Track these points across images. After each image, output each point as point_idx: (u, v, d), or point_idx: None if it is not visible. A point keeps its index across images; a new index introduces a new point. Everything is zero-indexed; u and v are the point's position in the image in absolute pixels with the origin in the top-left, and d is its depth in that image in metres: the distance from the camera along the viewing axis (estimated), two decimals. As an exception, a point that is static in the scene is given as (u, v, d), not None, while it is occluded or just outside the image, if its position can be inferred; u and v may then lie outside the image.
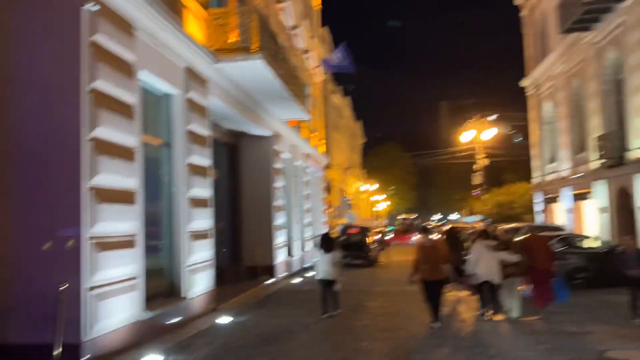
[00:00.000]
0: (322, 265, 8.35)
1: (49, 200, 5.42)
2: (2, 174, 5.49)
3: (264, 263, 12.72)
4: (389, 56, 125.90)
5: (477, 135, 25.93)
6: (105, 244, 5.70)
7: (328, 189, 25.49)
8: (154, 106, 7.79)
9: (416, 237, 38.11)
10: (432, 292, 7.24)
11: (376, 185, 47.76)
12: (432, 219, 62.45)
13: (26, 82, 5.54)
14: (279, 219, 13.67)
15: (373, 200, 50.94)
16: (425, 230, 7.74)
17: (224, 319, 7.93)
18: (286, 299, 10.38)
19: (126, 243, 6.16)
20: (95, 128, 5.62)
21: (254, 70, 9.44)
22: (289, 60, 11.69)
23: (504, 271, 7.90)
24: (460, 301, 9.01)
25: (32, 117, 5.50)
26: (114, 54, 6.09)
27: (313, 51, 20.51)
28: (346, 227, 20.18)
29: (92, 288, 5.45)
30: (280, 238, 13.66)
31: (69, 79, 5.47)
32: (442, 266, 7.28)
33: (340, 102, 35.59)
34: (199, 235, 8.38)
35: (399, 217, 49.22)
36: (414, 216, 50.52)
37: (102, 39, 5.79)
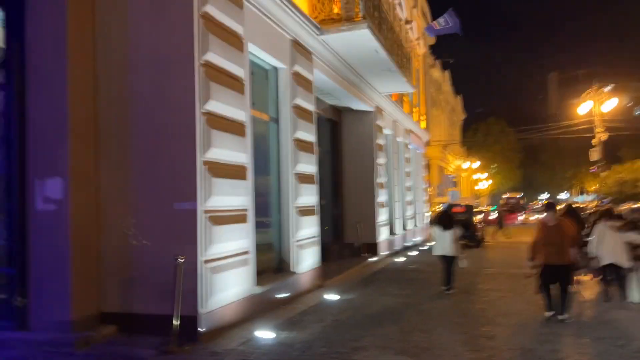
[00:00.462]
0: (441, 242, 8.37)
1: (166, 173, 5.50)
2: (122, 148, 5.65)
3: (367, 241, 12.50)
4: (490, 26, 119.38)
5: (596, 107, 23.67)
6: (219, 218, 5.71)
7: (428, 166, 24.69)
8: (261, 80, 7.72)
9: (522, 217, 36.25)
10: (555, 278, 6.48)
11: (477, 163, 45.76)
12: (538, 198, 58.95)
13: (141, 55, 5.62)
14: (381, 197, 13.33)
15: (474, 179, 48.94)
16: (551, 208, 6.98)
17: (332, 296, 7.80)
18: (392, 277, 10.08)
19: (238, 217, 6.15)
20: (208, 101, 5.60)
21: (359, 40, 9.08)
22: (394, 30, 11.18)
23: (633, 253, 7.17)
24: (583, 285, 8.18)
25: (149, 90, 5.58)
26: (224, 26, 6.02)
27: (414, 22, 19.69)
28: (450, 206, 19.39)
29: (207, 261, 5.49)
30: (382, 216, 13.34)
31: (183, 51, 5.46)
32: (568, 249, 6.50)
33: (440, 76, 34.20)
34: (305, 211, 8.28)
35: (503, 197, 46.85)
36: (519, 195, 47.90)
37: (212, 10, 5.72)
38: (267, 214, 7.75)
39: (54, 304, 5.35)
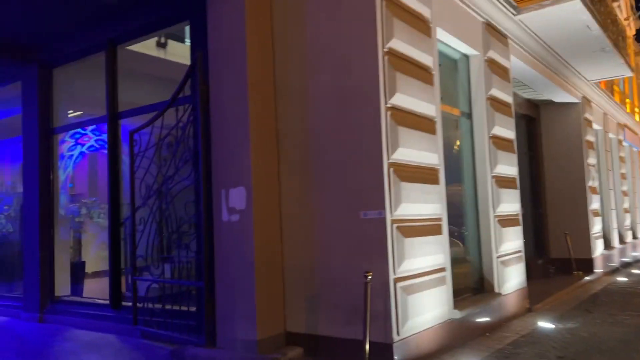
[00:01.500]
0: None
1: (350, 178, 4.87)
2: (303, 154, 5.19)
3: (578, 256, 10.55)
4: None
5: None
6: (410, 229, 4.90)
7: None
8: (450, 70, 6.77)
9: None
10: None
11: None
12: None
13: (319, 52, 5.10)
14: (595, 203, 11.22)
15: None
16: None
17: (547, 324, 6.42)
18: (619, 301, 8.17)
19: (432, 228, 5.27)
20: (394, 95, 4.85)
21: (567, 15, 7.57)
22: (606, 2, 9.29)
23: None
24: None
25: (329, 88, 5.03)
26: (410, 8, 5.25)
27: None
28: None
29: (399, 279, 4.70)
30: (596, 226, 11.21)
31: (365, 39, 4.80)
32: None
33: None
34: (508, 221, 7.04)
35: None
36: None
37: (396, -11, 5.00)
38: (461, 224, 6.71)
39: (240, 322, 5.06)
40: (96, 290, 8.17)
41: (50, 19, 6.67)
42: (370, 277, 4.43)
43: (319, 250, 5.01)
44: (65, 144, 8.43)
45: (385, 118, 4.73)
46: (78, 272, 8.49)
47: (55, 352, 5.76)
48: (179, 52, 8.51)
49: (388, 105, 4.79)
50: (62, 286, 7.78)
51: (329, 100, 5.02)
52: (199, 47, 5.58)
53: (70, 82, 7.95)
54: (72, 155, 8.57)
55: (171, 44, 8.60)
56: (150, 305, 5.95)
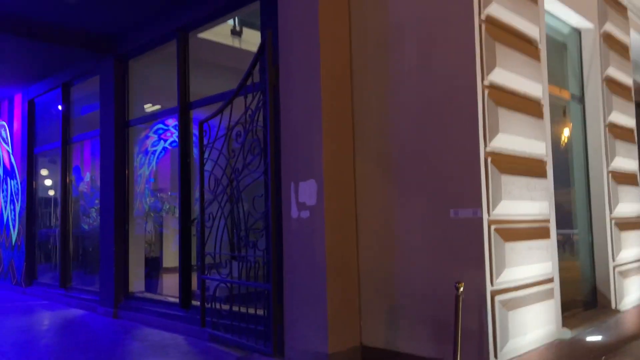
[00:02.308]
0: None
1: (437, 170, 4.13)
2: (381, 144, 4.52)
3: None
4: None
5: None
6: (512, 232, 4.08)
7: None
8: (559, 46, 5.80)
9: None
10: None
11: None
12: None
13: (401, 26, 4.40)
14: None
15: None
16: None
17: (679, 350, 5.30)
18: None
19: (538, 231, 4.41)
20: (493, 70, 4.05)
21: None
22: None
23: None
24: None
25: (413, 66, 4.31)
26: (511, -32, 4.43)
27: None
28: None
29: (498, 292, 3.90)
30: None
31: (458, 5, 4.05)
32: None
33: None
34: (627, 224, 5.93)
35: None
36: None
37: (496, -56, 4.19)
38: (569, 226, 5.73)
39: (310, 331, 4.49)
40: (172, 286, 7.99)
41: (123, 7, 6.49)
42: (462, 288, 3.68)
43: (400, 254, 4.32)
44: (149, 140, 8.36)
45: (482, 98, 3.95)
46: (153, 267, 8.36)
47: (122, 353, 5.52)
48: (255, 40, 8.12)
49: (485, 83, 4.00)
50: (137, 282, 7.66)
51: (413, 79, 4.31)
52: (268, 27, 5.08)
53: (145, 74, 7.82)
54: (155, 150, 8.52)
55: (246, 32, 8.22)
56: (218, 306, 5.56)
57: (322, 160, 4.46)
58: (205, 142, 5.88)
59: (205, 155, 5.87)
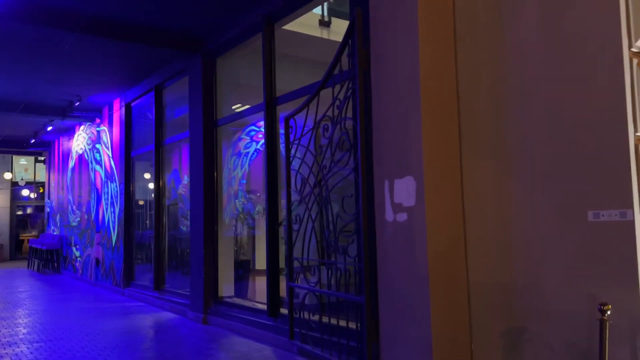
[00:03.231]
0: None
1: (568, 162, 3.33)
2: (495, 135, 3.78)
3: None
4: None
5: None
6: (671, 239, 3.18)
7: None
8: None
9: None
10: None
11: None
12: None
13: (522, -13, 3.65)
14: None
15: None
16: None
17: None
18: None
19: None
20: (643, 34, 3.19)
21: None
22: None
23: None
24: None
25: (534, 26, 3.54)
26: None
27: None
28: None
29: (655, 317, 3.04)
30: None
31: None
32: None
33: None
34: None
35: None
36: None
37: None
38: None
39: (410, 352, 3.85)
40: (262, 291, 7.68)
41: (207, 1, 6.25)
42: (608, 311, 2.87)
43: (522, 265, 3.55)
44: (242, 141, 8.22)
45: (630, 71, 3.11)
46: (245, 270, 8.12)
47: (207, 363, 5.22)
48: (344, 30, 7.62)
49: (634, 50, 3.15)
50: (227, 285, 7.43)
51: (536, 51, 3.53)
52: (358, 5, 4.51)
53: (233, 71, 7.58)
54: (247, 152, 8.38)
55: (335, 22, 7.73)
56: (308, 316, 5.08)
57: (422, 153, 3.81)
58: (291, 139, 5.44)
59: (292, 153, 5.43)
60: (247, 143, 8.56)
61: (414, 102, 3.89)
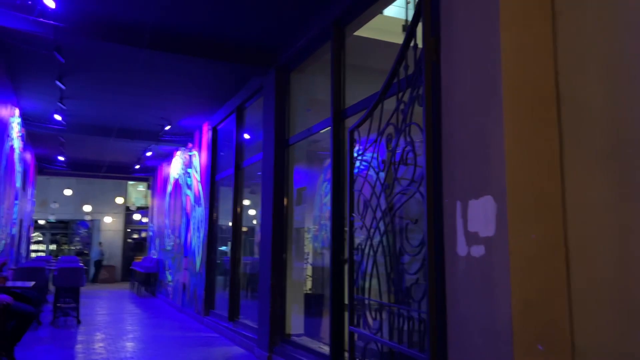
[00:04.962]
0: None
1: None
2: (608, 128, 2.68)
3: None
4: None
5: None
6: None
7: None
8: None
9: None
10: None
11: None
12: None
13: None
14: None
15: None
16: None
17: None
18: None
19: None
20: None
21: None
22: None
23: None
24: None
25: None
26: None
27: None
28: None
29: None
30: None
31: None
32: None
33: None
34: None
35: None
36: None
37: None
38: None
39: None
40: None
41: (276, 7, 5.73)
42: None
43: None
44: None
45: None
46: (318, 305, 7.32)
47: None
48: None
49: None
50: (296, 322, 6.68)
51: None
52: (426, -14, 3.65)
53: (308, 86, 6.98)
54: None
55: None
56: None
57: (504, 163, 2.81)
58: (355, 153, 4.64)
59: (356, 171, 4.61)
60: (372, 174, 7.99)
61: (493, 100, 2.92)
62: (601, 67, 2.73)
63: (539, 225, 2.82)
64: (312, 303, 7.06)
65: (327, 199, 7.49)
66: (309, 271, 7.43)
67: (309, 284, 7.39)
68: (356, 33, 5.71)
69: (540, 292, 2.77)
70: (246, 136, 8.93)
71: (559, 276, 2.81)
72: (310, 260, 7.88)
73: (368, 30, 5.91)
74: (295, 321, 6.68)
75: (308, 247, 7.85)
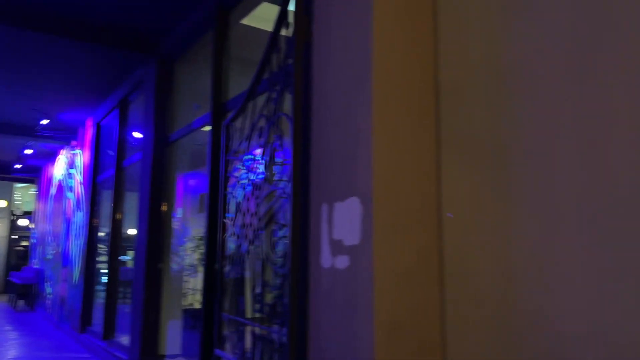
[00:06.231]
0: None
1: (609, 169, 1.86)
2: (491, 127, 2.34)
3: None
4: None
5: None
6: None
7: None
8: None
9: None
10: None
11: None
12: None
13: None
14: None
15: None
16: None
17: None
18: None
19: None
20: None
21: None
22: None
23: None
24: None
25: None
26: None
27: None
28: None
29: None
30: None
31: None
32: None
33: None
34: None
35: None
36: None
37: None
38: None
39: None
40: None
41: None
42: None
43: (552, 339, 2.04)
44: (239, 172, 6.99)
45: None
46: (196, 322, 6.64)
47: None
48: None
49: None
50: (173, 340, 5.97)
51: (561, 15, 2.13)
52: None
53: (193, 78, 6.35)
54: (243, 184, 7.14)
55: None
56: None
57: (371, 160, 2.38)
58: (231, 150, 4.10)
59: (230, 170, 4.07)
60: (243, 174, 7.28)
61: (362, 88, 2.49)
62: (482, 59, 2.39)
63: (411, 233, 2.42)
64: (192, 319, 6.38)
65: (242, 207, 6.84)
66: (193, 284, 6.74)
67: (190, 298, 6.70)
68: (243, 22, 5.19)
69: (410, 311, 2.36)
70: (135, 134, 8.09)
71: (431, 295, 2.42)
72: (196, 272, 7.19)
73: (257, 20, 5.41)
74: (172, 340, 5.97)
75: (196, 257, 7.16)
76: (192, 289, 6.72)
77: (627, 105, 1.81)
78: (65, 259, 10.48)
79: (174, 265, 6.67)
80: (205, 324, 4.53)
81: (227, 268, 3.87)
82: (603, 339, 1.80)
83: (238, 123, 3.96)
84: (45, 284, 12.46)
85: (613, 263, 1.79)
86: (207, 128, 5.03)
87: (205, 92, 6.22)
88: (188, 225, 6.69)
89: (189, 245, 6.95)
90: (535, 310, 2.03)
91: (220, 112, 4.88)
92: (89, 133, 9.57)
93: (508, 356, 2.11)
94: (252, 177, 3.56)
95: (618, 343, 1.76)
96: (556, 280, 1.97)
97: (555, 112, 2.04)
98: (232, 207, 3.89)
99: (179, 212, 7.38)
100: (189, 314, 6.42)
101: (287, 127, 3.13)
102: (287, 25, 3.19)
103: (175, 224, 7.75)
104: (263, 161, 3.37)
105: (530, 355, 2.02)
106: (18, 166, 14.28)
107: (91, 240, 8.97)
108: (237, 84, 5.00)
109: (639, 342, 1.70)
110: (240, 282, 3.63)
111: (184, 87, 6.27)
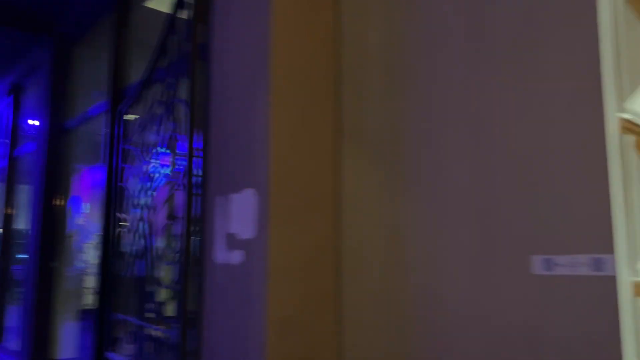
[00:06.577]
0: None
1: (507, 177, 1.87)
2: (389, 123, 2.30)
3: None
4: None
5: None
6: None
7: None
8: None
9: None
10: None
11: None
12: None
13: None
14: None
15: None
16: None
17: None
18: None
19: None
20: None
21: None
22: None
23: None
24: None
25: None
26: None
27: None
28: None
29: None
30: None
31: None
32: None
33: None
34: None
35: None
36: None
37: None
38: None
39: None
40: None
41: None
42: None
43: (431, 341, 2.02)
44: (148, 165, 6.59)
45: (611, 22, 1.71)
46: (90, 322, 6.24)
47: None
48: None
49: (616, -37, 1.76)
50: (69, 344, 5.56)
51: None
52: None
53: (94, 62, 5.92)
54: (156, 179, 6.74)
55: None
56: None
57: (267, 150, 2.27)
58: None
59: (126, 161, 3.81)
60: (139, 165, 6.92)
61: (260, 74, 2.37)
62: (382, 47, 2.34)
63: (308, 226, 2.33)
64: (90, 321, 5.96)
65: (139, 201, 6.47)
66: (92, 282, 6.32)
67: (90, 299, 6.28)
68: (148, 4, 4.89)
69: (305, 306, 2.28)
70: (30, 122, 7.45)
71: (326, 291, 2.35)
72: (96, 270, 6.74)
73: (162, 3, 5.12)
74: (66, 343, 5.55)
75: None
76: (93, 289, 6.31)
77: (514, 99, 1.83)
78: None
79: (79, 264, 6.24)
80: (96, 326, 4.23)
81: (120, 266, 3.61)
82: (486, 320, 1.81)
83: (135, 110, 3.71)
84: None
85: (495, 253, 1.80)
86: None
87: (106, 77, 5.82)
88: (96, 221, 6.26)
89: (96, 242, 6.50)
90: (426, 295, 2.02)
91: (118, 99, 4.55)
92: (-21, 120, 8.72)
93: (402, 341, 2.09)
94: (148, 168, 3.33)
95: (498, 324, 1.78)
96: (445, 268, 1.96)
97: (449, 102, 2.03)
98: (128, 201, 3.63)
99: (85, 208, 6.92)
100: (87, 315, 6.00)
101: (185, 115, 2.94)
102: (185, 7, 2.99)
103: (81, 220, 7.24)
104: (160, 151, 3.16)
105: (422, 337, 2.01)
106: None
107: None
108: (139, 69, 4.70)
109: (514, 320, 1.72)
110: (135, 280, 3.40)
111: (84, 72, 5.83)
